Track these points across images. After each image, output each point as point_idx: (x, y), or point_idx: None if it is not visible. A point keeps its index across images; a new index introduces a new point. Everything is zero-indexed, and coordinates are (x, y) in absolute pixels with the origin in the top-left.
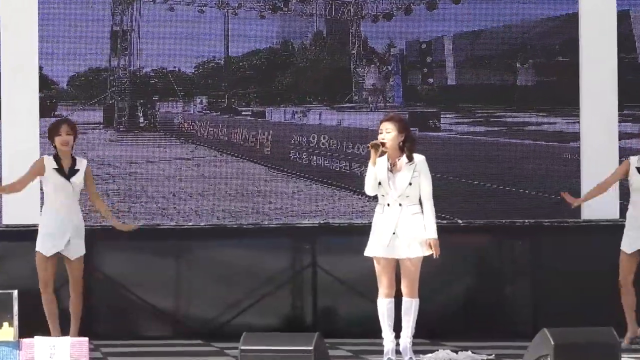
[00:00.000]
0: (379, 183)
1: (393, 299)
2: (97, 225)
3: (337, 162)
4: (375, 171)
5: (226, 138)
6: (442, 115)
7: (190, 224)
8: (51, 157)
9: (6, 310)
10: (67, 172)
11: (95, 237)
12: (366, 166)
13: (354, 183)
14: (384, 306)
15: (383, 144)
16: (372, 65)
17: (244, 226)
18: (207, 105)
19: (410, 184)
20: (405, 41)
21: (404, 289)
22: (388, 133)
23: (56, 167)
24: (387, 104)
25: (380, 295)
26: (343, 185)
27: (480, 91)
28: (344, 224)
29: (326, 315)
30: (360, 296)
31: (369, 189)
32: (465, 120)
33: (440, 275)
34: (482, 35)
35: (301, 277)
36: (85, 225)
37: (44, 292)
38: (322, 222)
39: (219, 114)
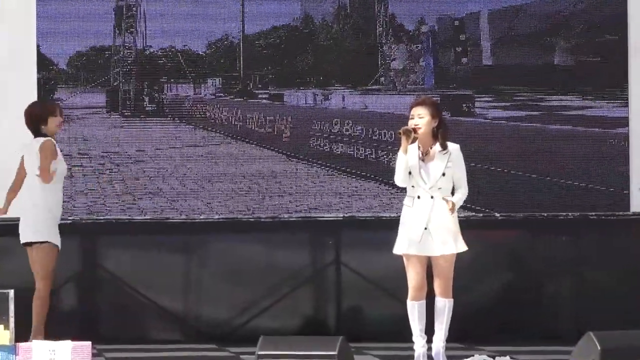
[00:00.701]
0: (409, 173)
1: (424, 300)
2: (100, 219)
3: (362, 150)
4: (407, 160)
5: (241, 124)
6: (476, 99)
7: (201, 217)
8: (52, 141)
9: (1, 311)
10: None
11: (99, 231)
12: (395, 154)
13: (381, 173)
14: (415, 308)
15: (415, 130)
16: (401, 44)
17: (261, 220)
18: (220, 88)
19: (443, 174)
20: (436, 18)
21: (437, 288)
22: (421, 118)
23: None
24: (417, 86)
25: (411, 296)
26: (369, 175)
27: (518, 72)
28: (370, 217)
29: (351, 317)
30: (389, 296)
31: (399, 179)
32: (501, 104)
33: (476, 273)
34: (520, 11)
35: (323, 275)
36: (87, 219)
37: (48, 289)
38: (346, 215)
39: (233, 97)
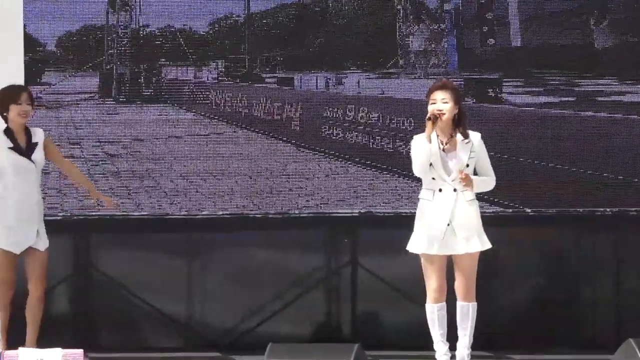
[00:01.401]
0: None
1: (445, 303)
2: (93, 215)
3: (378, 139)
4: (430, 148)
5: (246, 110)
6: (504, 83)
7: (204, 213)
8: (1, 133)
9: None
10: (25, 150)
11: (91, 229)
12: None
13: (400, 164)
14: (435, 312)
15: (440, 116)
16: (421, 24)
17: (269, 216)
18: (224, 72)
19: (467, 165)
20: None
21: (459, 291)
22: (445, 103)
23: (11, 145)
24: (439, 69)
25: (430, 299)
26: (386, 166)
27: (550, 54)
28: (389, 213)
29: (368, 323)
30: (409, 300)
31: (420, 169)
32: (531, 89)
33: (504, 273)
34: None
35: (338, 277)
36: (79, 215)
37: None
38: (362, 211)
39: (237, 81)
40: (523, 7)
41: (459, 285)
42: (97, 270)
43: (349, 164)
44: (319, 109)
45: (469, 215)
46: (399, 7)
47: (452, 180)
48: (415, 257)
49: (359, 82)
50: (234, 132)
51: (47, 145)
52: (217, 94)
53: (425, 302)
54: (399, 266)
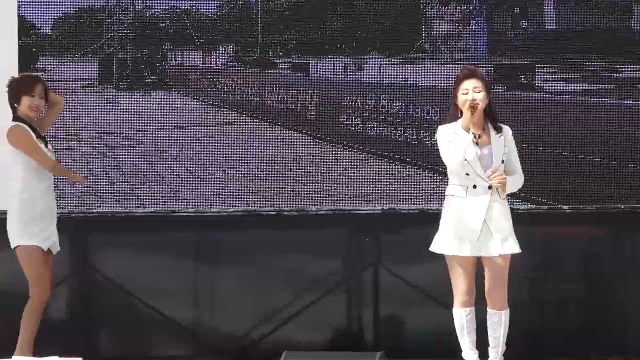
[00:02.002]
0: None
1: (474, 308)
2: (93, 213)
3: (401, 130)
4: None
5: (258, 99)
6: (537, 70)
7: (213, 211)
8: (25, 127)
9: None
10: (45, 142)
11: (91, 228)
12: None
13: (425, 157)
14: (463, 318)
15: (476, 107)
16: (449, 5)
17: (284, 214)
18: (234, 57)
19: (502, 161)
20: None
21: (491, 298)
22: (479, 92)
23: (35, 135)
24: (467, 54)
25: (458, 304)
26: (410, 160)
27: (588, 38)
28: (414, 210)
29: (391, 329)
30: (436, 304)
31: (456, 163)
32: (567, 76)
33: (539, 276)
34: None
35: (358, 279)
36: (77, 213)
37: (41, 300)
38: (385, 208)
39: (248, 67)
40: None
41: (490, 291)
42: (97, 272)
43: (370, 157)
44: (337, 97)
45: (504, 214)
46: None
47: (488, 177)
48: (442, 258)
49: (380, 68)
50: (245, 122)
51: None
52: (226, 81)
53: (452, 307)
54: (425, 268)
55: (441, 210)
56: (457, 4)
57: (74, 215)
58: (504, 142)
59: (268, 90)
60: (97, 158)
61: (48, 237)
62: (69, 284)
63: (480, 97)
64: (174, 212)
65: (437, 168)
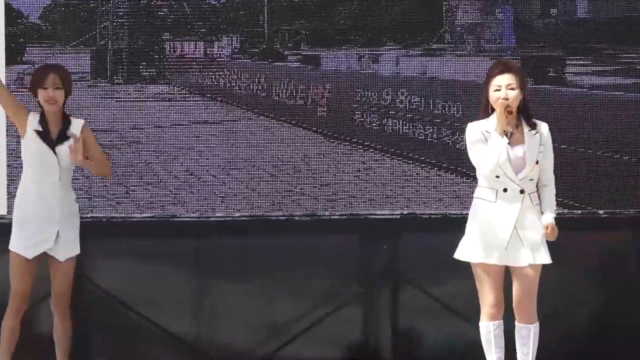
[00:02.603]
0: None
1: (502, 321)
2: (86, 218)
3: (420, 127)
4: (504, 143)
5: (265, 94)
6: (568, 62)
7: (217, 215)
8: (37, 115)
9: None
10: (53, 139)
11: (84, 234)
12: (462, 133)
13: (447, 156)
14: (491, 331)
15: (511, 112)
16: None
17: (294, 219)
18: (239, 48)
19: (537, 161)
20: None
21: (519, 310)
22: (512, 90)
23: (39, 129)
24: (492, 45)
25: (485, 316)
26: (430, 159)
27: (623, 27)
28: (436, 215)
29: (410, 345)
30: (459, 317)
31: (490, 168)
32: (600, 69)
33: (573, 286)
34: None
35: (375, 290)
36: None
37: (16, 311)
38: (404, 212)
39: (255, 59)
40: None
41: (518, 304)
42: (90, 282)
43: (387, 156)
44: (351, 92)
45: (537, 222)
46: None
47: (521, 180)
48: (467, 267)
49: (397, 60)
50: (251, 119)
51: (84, 138)
52: (230, 74)
53: (478, 320)
54: (447, 278)
55: (466, 214)
56: None
57: None
58: (539, 139)
59: (276, 85)
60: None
61: (38, 243)
62: None
63: (514, 95)
64: (174, 216)
65: (460, 169)
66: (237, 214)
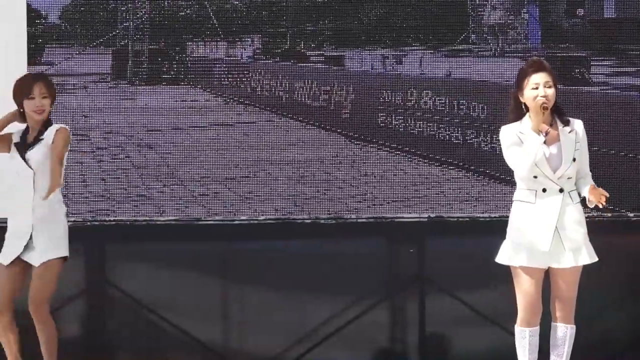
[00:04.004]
0: None
1: (539, 328)
2: (110, 221)
3: (445, 129)
4: (541, 142)
5: (287, 95)
6: (594, 63)
7: (242, 218)
8: (20, 130)
9: None
10: (25, 147)
11: (108, 237)
12: (489, 134)
13: (472, 158)
14: (526, 337)
15: (546, 108)
16: None
17: (320, 222)
18: (261, 48)
19: (574, 159)
20: None
21: (558, 311)
22: (549, 88)
23: (17, 140)
24: (517, 46)
25: (522, 321)
26: (456, 162)
27: None
28: (464, 218)
29: (438, 349)
30: (488, 321)
31: (526, 168)
32: (628, 69)
33: (602, 290)
34: None
35: (402, 295)
36: (93, 220)
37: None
38: (432, 215)
39: (277, 60)
40: None
41: (557, 304)
42: (113, 286)
43: (411, 158)
44: (375, 93)
45: (578, 221)
46: None
47: (559, 178)
48: (497, 271)
49: (421, 61)
50: (272, 121)
51: (55, 138)
52: (252, 75)
53: (509, 324)
54: (477, 282)
55: (494, 217)
56: None
57: (88, 222)
58: (575, 137)
59: (298, 86)
60: (108, 159)
61: (13, 249)
62: (83, 299)
63: (552, 92)
64: (199, 219)
65: (486, 171)
66: (262, 217)
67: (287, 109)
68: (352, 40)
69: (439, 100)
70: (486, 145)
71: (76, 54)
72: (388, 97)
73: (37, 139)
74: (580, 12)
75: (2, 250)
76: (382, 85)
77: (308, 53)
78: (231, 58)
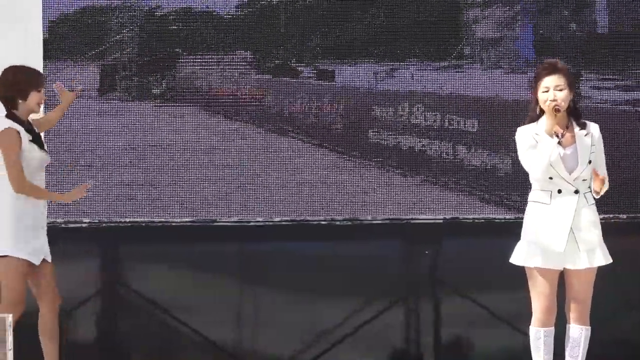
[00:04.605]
0: None
1: (554, 328)
2: (125, 222)
3: (436, 145)
4: (554, 144)
5: (288, 111)
6: (583, 77)
7: (258, 220)
8: (21, 129)
9: None
10: (39, 138)
11: (123, 238)
12: (484, 150)
13: (459, 173)
14: (541, 338)
15: (559, 110)
16: (491, 6)
17: (335, 223)
18: (253, 63)
19: (589, 161)
20: None
21: (573, 312)
22: (560, 91)
23: (31, 137)
24: (510, 60)
25: (536, 321)
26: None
27: None
28: (480, 219)
29: (454, 351)
30: (504, 323)
31: (541, 170)
32: (619, 83)
33: (616, 292)
34: None
35: (417, 296)
36: (108, 222)
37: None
38: (447, 217)
39: (270, 76)
40: None
41: (573, 306)
42: (128, 287)
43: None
44: (366, 107)
45: (593, 222)
46: None
47: (574, 180)
48: (512, 272)
49: (413, 75)
50: (291, 123)
51: None
52: (244, 89)
53: (524, 326)
54: (492, 284)
55: (510, 219)
56: (499, 4)
57: (104, 224)
58: (591, 139)
59: (290, 100)
60: (129, 162)
61: (39, 249)
62: (98, 301)
63: (562, 96)
64: (215, 221)
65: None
66: (278, 219)
67: (281, 123)
68: (343, 54)
69: (430, 114)
70: (475, 160)
71: (64, 68)
72: (379, 112)
73: (39, 134)
74: (573, 26)
75: (24, 246)
76: (373, 99)
77: (299, 67)
78: (223, 71)
